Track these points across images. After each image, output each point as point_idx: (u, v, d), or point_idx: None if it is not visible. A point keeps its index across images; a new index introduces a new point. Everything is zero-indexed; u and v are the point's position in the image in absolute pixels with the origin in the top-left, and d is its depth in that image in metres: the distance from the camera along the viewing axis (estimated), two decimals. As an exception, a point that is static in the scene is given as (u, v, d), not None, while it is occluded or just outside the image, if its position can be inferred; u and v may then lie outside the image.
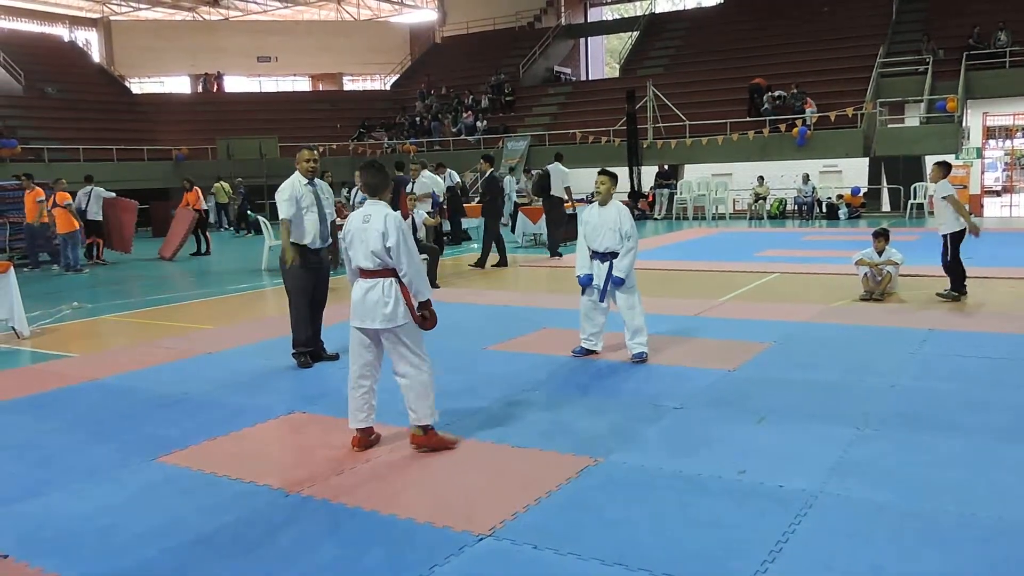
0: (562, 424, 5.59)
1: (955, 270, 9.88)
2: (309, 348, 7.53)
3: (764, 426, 5.39)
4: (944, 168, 10.12)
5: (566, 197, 15.99)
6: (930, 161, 22.66)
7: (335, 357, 7.65)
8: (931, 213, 9.48)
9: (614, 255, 7.15)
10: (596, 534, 3.92)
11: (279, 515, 4.28)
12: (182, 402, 6.48)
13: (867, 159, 24.17)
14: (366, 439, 5.26)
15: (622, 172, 26.07)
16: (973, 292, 10.12)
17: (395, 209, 5.23)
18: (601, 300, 7.31)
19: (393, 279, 4.99)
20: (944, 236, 9.86)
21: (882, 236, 10.23)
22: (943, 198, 9.79)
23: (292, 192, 7.22)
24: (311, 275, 7.43)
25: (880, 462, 4.70)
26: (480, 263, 14.40)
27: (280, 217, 7.28)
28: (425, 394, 5.07)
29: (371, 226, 4.98)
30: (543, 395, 6.29)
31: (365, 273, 5.06)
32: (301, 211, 7.26)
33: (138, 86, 40.15)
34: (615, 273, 7.12)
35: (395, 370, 5.12)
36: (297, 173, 7.39)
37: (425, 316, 5.09)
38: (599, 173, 7.39)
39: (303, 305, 7.44)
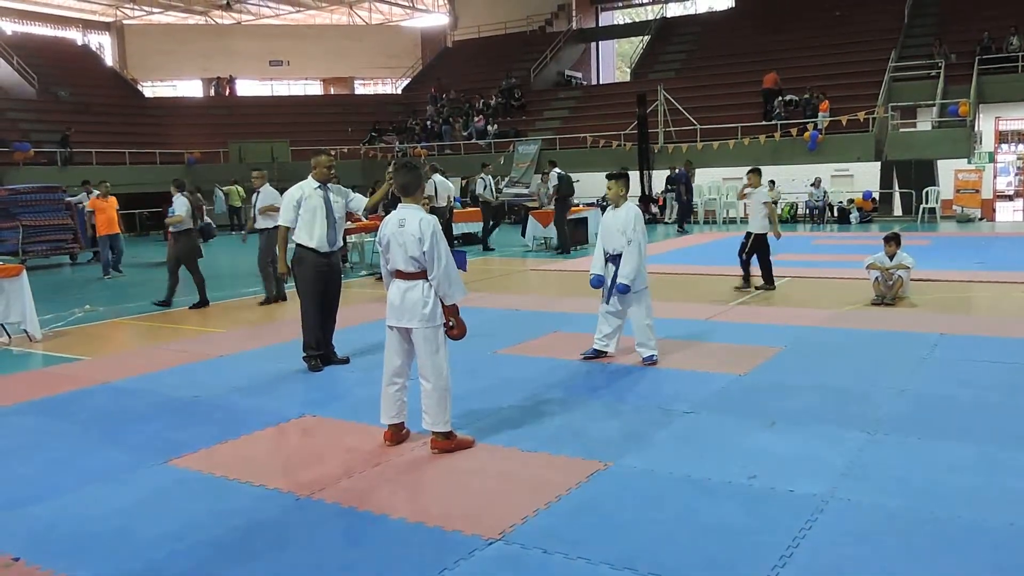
0: (573, 428, 5.59)
1: (764, 266, 11.18)
2: (319, 351, 7.56)
3: (775, 431, 5.38)
4: (759, 174, 11.36)
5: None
6: (942, 165, 22.85)
7: (345, 361, 7.70)
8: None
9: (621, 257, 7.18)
10: (606, 538, 3.92)
11: (289, 518, 4.29)
12: (193, 405, 6.51)
13: (879, 163, 24.09)
14: (398, 434, 5.35)
15: (632, 176, 26.08)
16: (985, 297, 10.11)
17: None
18: (606, 301, 7.31)
19: (421, 281, 5.09)
20: (749, 234, 11.11)
21: (893, 240, 10.20)
22: (763, 203, 10.99)
23: (297, 197, 7.30)
24: (320, 278, 7.43)
25: (891, 467, 4.69)
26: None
27: (279, 223, 7.45)
28: (444, 402, 5.13)
29: (407, 231, 5.06)
30: (554, 399, 6.29)
31: (403, 275, 5.14)
32: (307, 214, 7.29)
33: (150, 89, 40.34)
34: (619, 280, 7.11)
35: (420, 373, 5.17)
36: (311, 177, 7.42)
37: (451, 324, 5.16)
38: (606, 177, 7.39)
39: (313, 308, 7.46)
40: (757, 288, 11.14)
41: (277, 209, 11.13)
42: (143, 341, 9.38)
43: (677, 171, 22.98)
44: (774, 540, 3.82)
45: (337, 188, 7.60)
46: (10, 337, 9.29)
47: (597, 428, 5.59)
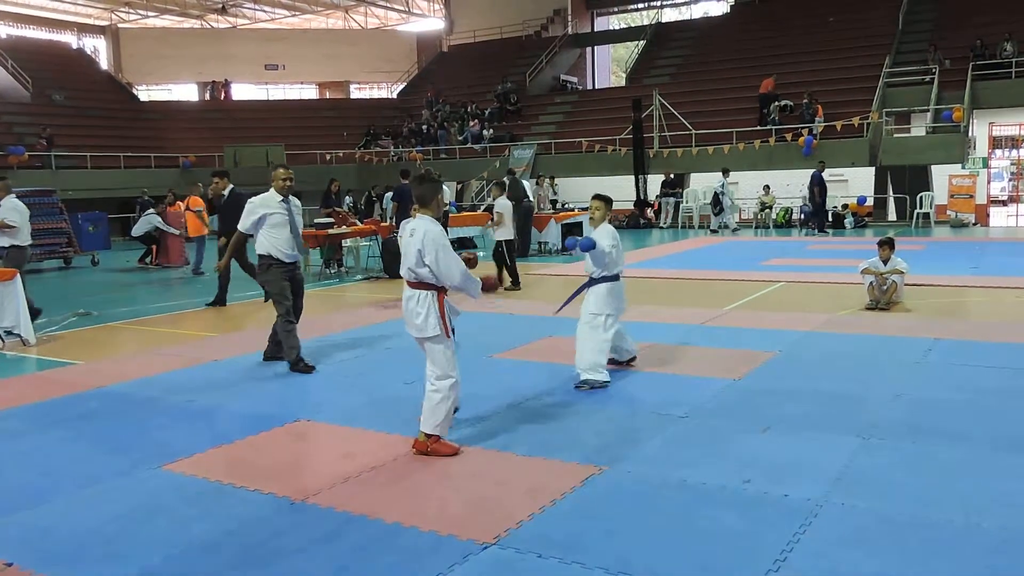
0: (567, 432, 5.60)
1: (513, 268, 12.77)
2: (300, 352, 7.72)
3: (769, 435, 5.39)
4: (502, 187, 13.13)
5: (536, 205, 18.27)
6: (936, 171, 22.92)
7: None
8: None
9: (593, 281, 6.83)
10: (601, 543, 3.92)
11: (284, 523, 4.28)
12: (188, 410, 6.50)
13: (873, 168, 24.16)
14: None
15: (628, 181, 26.16)
16: (979, 302, 10.15)
17: (404, 218, 5.39)
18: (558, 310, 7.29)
19: (428, 292, 5.17)
20: (499, 241, 12.67)
21: (887, 245, 10.22)
22: (500, 212, 12.64)
23: (262, 210, 7.56)
24: (287, 283, 7.73)
25: (885, 471, 4.70)
26: (218, 300, 11.83)
27: (239, 227, 7.67)
28: (441, 408, 5.16)
29: (413, 240, 5.17)
30: (549, 403, 6.29)
31: (407, 283, 5.26)
32: (273, 228, 7.57)
33: (146, 93, 40.32)
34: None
35: (427, 377, 5.28)
36: (272, 190, 7.68)
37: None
38: (592, 198, 7.04)
39: (287, 308, 7.67)
40: (507, 289, 12.66)
41: (10, 226, 10.27)
42: (137, 345, 9.36)
43: (813, 172, 22.10)
44: (769, 544, 3.82)
45: (294, 201, 7.86)
46: (3, 342, 9.26)
47: (592, 432, 5.59)
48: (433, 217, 5.28)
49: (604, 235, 6.79)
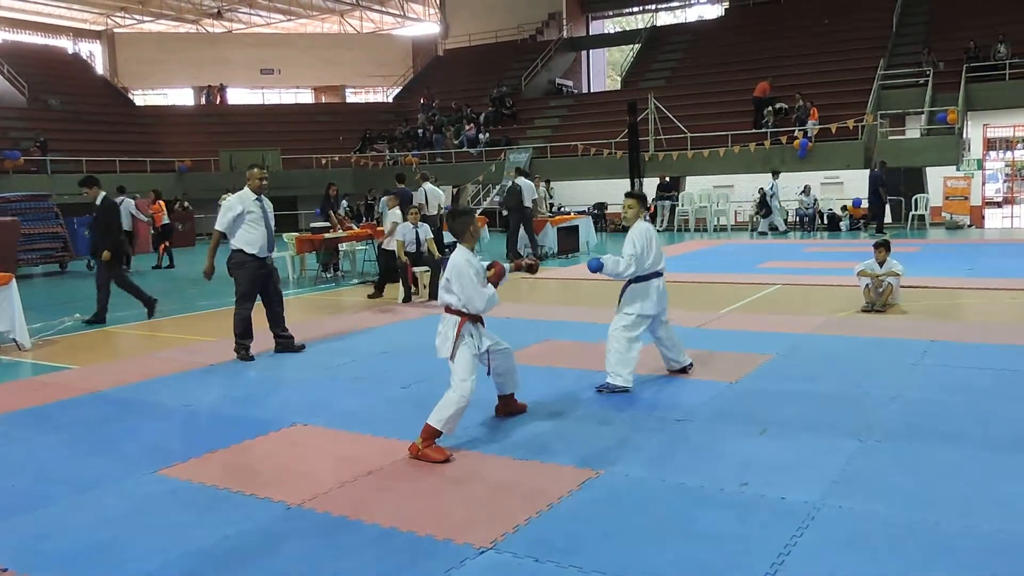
0: (564, 436, 5.59)
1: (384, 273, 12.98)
2: (248, 342, 8.37)
3: (766, 438, 5.39)
4: (396, 197, 13.51)
5: (535, 209, 17.78)
6: (931, 173, 22.96)
7: (301, 348, 8.47)
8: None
9: (629, 281, 6.76)
10: (598, 547, 3.91)
11: (280, 528, 4.27)
12: (184, 414, 6.49)
13: (868, 171, 24.19)
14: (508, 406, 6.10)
15: (624, 184, 26.18)
16: (975, 303, 10.16)
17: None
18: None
19: (449, 316, 5.47)
20: (387, 251, 12.64)
21: (883, 247, 10.23)
22: (393, 222, 12.64)
23: (238, 210, 8.10)
24: (257, 281, 8.35)
25: (882, 474, 4.70)
26: (98, 317, 11.06)
27: (215, 227, 8.21)
28: (451, 407, 5.27)
29: (447, 270, 5.50)
30: (546, 407, 6.28)
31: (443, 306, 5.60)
32: (248, 224, 8.13)
33: (141, 98, 40.28)
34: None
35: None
36: (247, 188, 8.23)
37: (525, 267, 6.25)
38: (625, 196, 6.94)
39: (247, 307, 8.35)
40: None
41: None
42: (132, 350, 9.35)
43: (874, 170, 21.79)
44: (766, 547, 3.82)
45: (266, 201, 8.36)
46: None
47: (589, 436, 5.58)
48: (469, 248, 5.56)
49: (630, 239, 6.69)
